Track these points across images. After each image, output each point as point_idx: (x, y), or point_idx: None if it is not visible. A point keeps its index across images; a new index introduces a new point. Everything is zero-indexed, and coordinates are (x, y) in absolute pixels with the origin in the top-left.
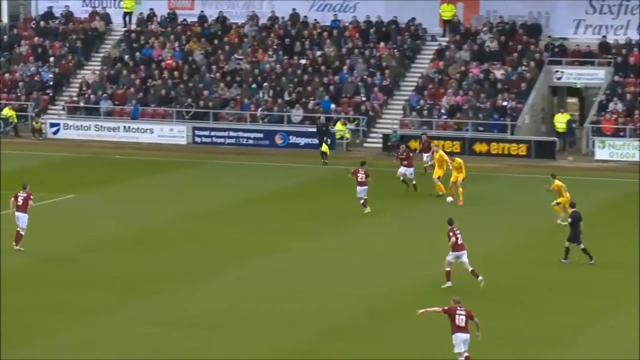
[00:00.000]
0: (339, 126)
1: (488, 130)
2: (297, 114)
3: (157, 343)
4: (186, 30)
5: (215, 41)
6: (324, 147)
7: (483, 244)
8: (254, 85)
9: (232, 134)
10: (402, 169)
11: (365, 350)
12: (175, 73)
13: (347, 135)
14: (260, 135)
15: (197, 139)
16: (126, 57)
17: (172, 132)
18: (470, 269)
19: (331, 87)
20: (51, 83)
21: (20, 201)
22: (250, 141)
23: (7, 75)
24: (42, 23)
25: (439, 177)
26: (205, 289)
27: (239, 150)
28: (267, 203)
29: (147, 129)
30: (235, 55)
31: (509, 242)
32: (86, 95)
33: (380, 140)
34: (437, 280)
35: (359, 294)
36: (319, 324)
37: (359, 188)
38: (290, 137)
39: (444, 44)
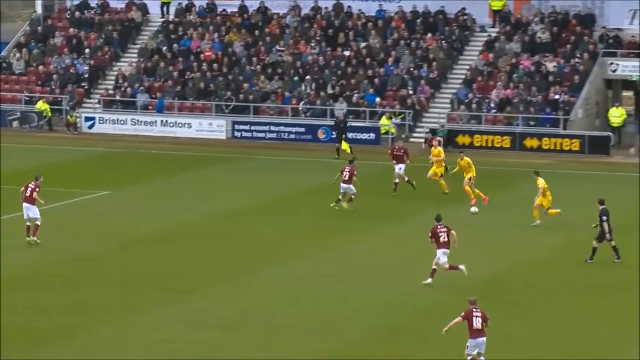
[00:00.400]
0: (384, 120)
1: (539, 125)
2: (340, 107)
3: (192, 344)
4: (226, 20)
5: (256, 32)
6: (344, 145)
7: (529, 244)
8: (295, 78)
9: (273, 128)
10: (397, 168)
11: (411, 350)
12: (215, 65)
13: (393, 130)
14: (302, 129)
15: (237, 134)
16: (164, 48)
17: (211, 127)
18: (447, 266)
19: (376, 80)
20: (86, 75)
21: (28, 192)
22: (292, 136)
23: (41, 67)
24: (77, 13)
25: (441, 175)
26: (242, 289)
27: (280, 145)
28: (309, 200)
29: (185, 123)
30: (277, 47)
31: (555, 241)
32: (122, 88)
33: (427, 134)
34: (485, 280)
35: (404, 293)
36: (362, 324)
37: (342, 185)
38: (333, 131)
39: (494, 35)
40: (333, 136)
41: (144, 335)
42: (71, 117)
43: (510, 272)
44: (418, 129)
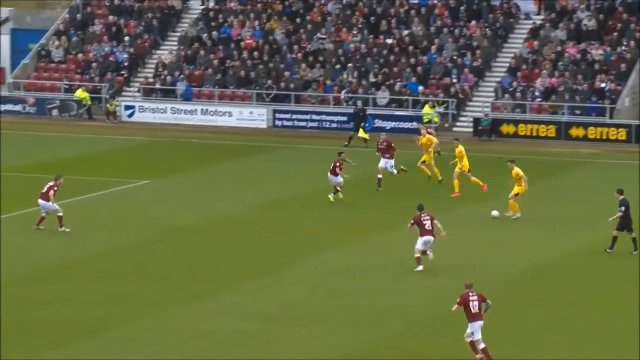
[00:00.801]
0: (426, 109)
1: (585, 114)
2: (382, 96)
3: (235, 336)
4: (267, 8)
5: (298, 20)
6: (362, 132)
7: (571, 238)
8: (337, 66)
9: (314, 117)
10: (382, 162)
11: (455, 344)
12: (255, 53)
13: (436, 119)
14: (344, 118)
15: (278, 122)
16: (204, 36)
17: (251, 115)
18: (430, 253)
19: (419, 68)
20: (126, 64)
21: (45, 189)
22: (334, 125)
23: (80, 55)
24: (116, 1)
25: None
26: (282, 281)
27: (322, 134)
28: (350, 189)
29: (225, 112)
30: (318, 35)
31: (596, 233)
32: (162, 77)
33: (471, 124)
34: (528, 273)
35: (443, 287)
36: (403, 317)
37: (330, 176)
38: (376, 120)
39: (539, 22)
40: (374, 125)
41: (185, 328)
42: (111, 105)
43: (552, 264)
44: (461, 118)
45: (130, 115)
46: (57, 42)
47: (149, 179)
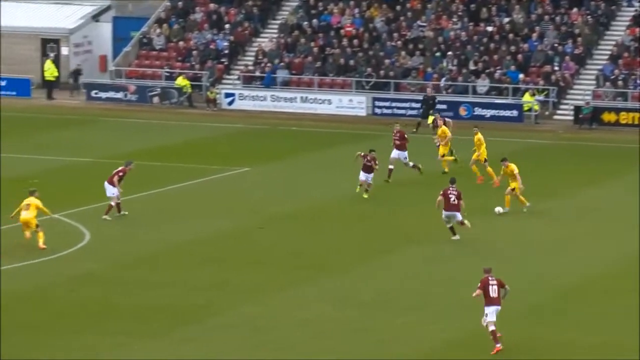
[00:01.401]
0: (527, 97)
1: None
2: (482, 84)
3: (332, 324)
4: None
5: (397, 7)
6: (430, 120)
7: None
8: (437, 54)
9: (414, 105)
10: (394, 153)
11: (561, 332)
12: (355, 41)
13: (536, 107)
14: (444, 106)
15: (377, 110)
16: (304, 24)
17: (351, 103)
18: (464, 222)
19: (519, 56)
20: (226, 51)
21: (113, 173)
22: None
23: (181, 43)
24: None
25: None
26: (381, 269)
27: (421, 122)
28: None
29: (325, 100)
30: (418, 22)
31: None
32: (262, 64)
33: (572, 112)
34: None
35: (544, 275)
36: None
37: (362, 173)
38: (475, 108)
39: None
40: (474, 113)
41: (285, 315)
42: (211, 93)
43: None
44: (562, 106)
45: (230, 103)
46: (158, 30)
47: (249, 166)
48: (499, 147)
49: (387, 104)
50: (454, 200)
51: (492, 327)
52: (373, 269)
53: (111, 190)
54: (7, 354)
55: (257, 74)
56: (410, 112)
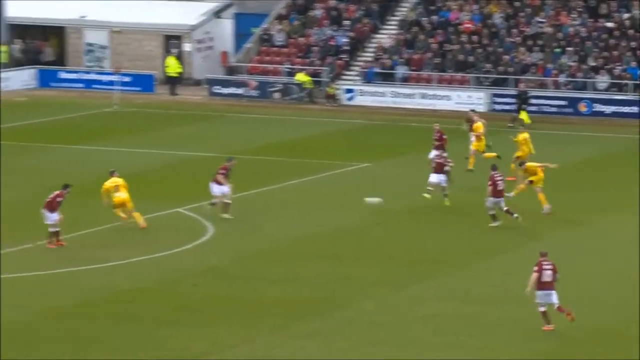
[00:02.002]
0: None
1: None
2: (602, 80)
3: (452, 320)
4: None
5: (516, 3)
6: (523, 115)
7: None
8: (556, 50)
9: (533, 101)
10: (432, 153)
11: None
12: (474, 37)
13: None
14: (564, 102)
15: (496, 106)
16: (423, 20)
17: (470, 99)
18: (505, 209)
19: (639, 53)
20: (346, 47)
21: (216, 171)
22: (553, 109)
23: (301, 39)
24: None
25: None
26: (499, 267)
27: (541, 118)
28: (572, 174)
29: (444, 96)
30: (537, 18)
31: None
32: (382, 61)
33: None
34: None
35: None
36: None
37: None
38: (595, 104)
39: None
40: (593, 110)
41: (405, 310)
42: (331, 89)
43: None
44: None
45: (350, 99)
46: (278, 26)
47: (369, 161)
48: (615, 144)
49: (506, 99)
50: (501, 186)
51: (542, 309)
52: (492, 266)
53: (214, 190)
54: (121, 346)
55: (377, 69)
56: (529, 108)
